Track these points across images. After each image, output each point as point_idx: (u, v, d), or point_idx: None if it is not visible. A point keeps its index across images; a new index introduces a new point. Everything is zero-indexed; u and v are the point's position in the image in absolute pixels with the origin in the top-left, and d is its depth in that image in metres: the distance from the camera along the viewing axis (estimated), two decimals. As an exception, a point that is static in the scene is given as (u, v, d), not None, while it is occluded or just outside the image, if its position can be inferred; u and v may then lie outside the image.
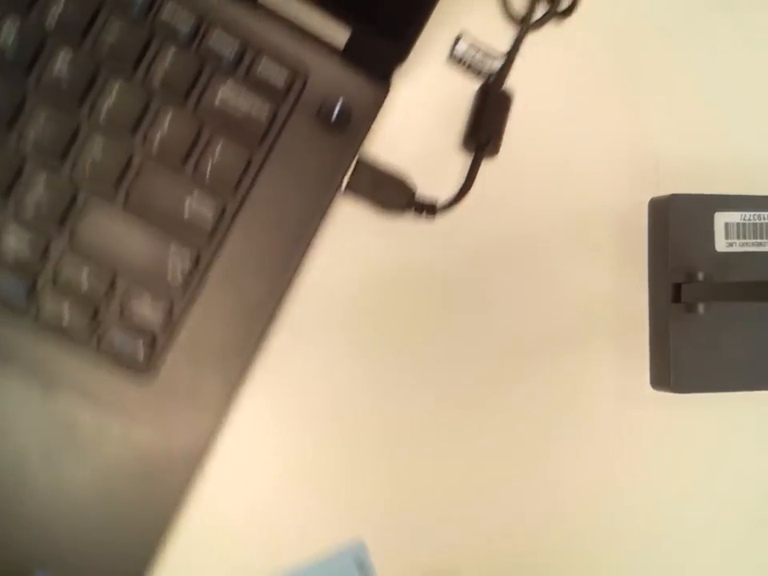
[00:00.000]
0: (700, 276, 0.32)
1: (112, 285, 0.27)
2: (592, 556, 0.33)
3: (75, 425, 0.27)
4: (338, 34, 0.29)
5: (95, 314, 0.27)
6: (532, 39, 0.34)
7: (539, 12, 0.33)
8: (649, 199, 0.34)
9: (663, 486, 0.34)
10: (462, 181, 0.31)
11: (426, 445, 0.31)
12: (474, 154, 0.31)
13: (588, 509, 0.33)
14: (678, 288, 0.32)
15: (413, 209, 0.31)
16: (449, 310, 0.32)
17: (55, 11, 0.26)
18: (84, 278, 0.27)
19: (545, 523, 0.32)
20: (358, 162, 0.30)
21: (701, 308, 0.31)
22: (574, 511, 0.33)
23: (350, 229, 0.31)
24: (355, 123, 0.29)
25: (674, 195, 0.33)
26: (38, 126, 0.26)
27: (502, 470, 0.32)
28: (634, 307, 0.34)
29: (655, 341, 0.34)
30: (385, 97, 0.29)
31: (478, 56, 0.33)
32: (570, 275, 0.33)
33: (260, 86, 0.28)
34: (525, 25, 0.33)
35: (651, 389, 0.34)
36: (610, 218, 0.34)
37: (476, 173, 0.31)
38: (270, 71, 0.28)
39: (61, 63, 0.27)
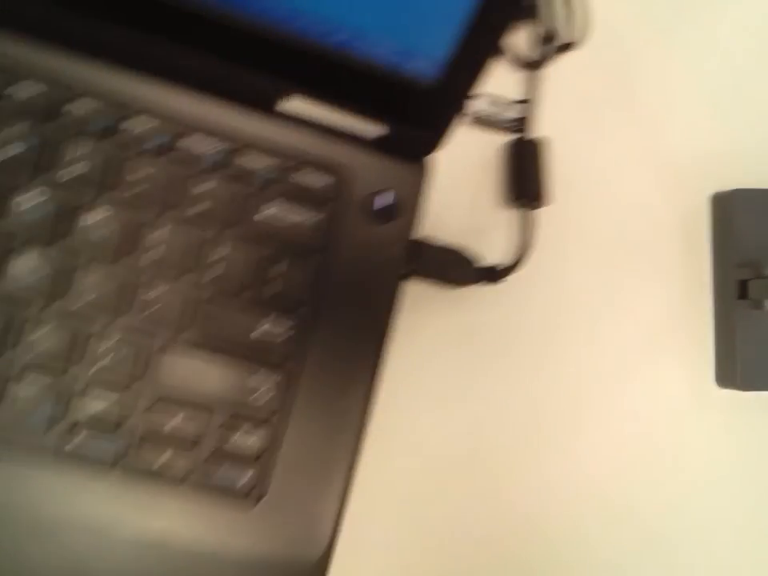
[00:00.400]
0: (767, 272, 0.31)
1: (202, 425, 0.26)
2: (663, 551, 0.32)
3: (195, 570, 0.25)
4: (369, 125, 0.28)
5: (191, 455, 0.25)
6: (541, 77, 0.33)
7: (545, 50, 0.33)
8: (709, 196, 0.34)
9: (727, 484, 0.33)
10: (520, 240, 0.30)
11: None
12: (523, 211, 0.31)
13: (655, 501, 0.32)
14: (743, 284, 0.32)
15: (476, 280, 0.30)
16: (531, 350, 0.32)
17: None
18: (173, 421, 0.25)
19: (618, 521, 0.32)
20: (413, 245, 0.29)
21: (767, 304, 0.31)
22: (641, 507, 0.32)
23: (417, 308, 0.30)
24: (403, 209, 0.28)
25: (737, 190, 0.32)
26: (88, 286, 0.25)
27: (575, 470, 0.32)
28: (698, 305, 0.34)
29: (720, 338, 0.33)
30: (428, 177, 0.28)
31: (496, 109, 0.33)
32: (636, 283, 0.33)
33: (300, 197, 0.27)
34: (537, 67, 0.32)
35: (717, 386, 0.33)
36: (669, 220, 0.34)
37: (531, 230, 0.30)
38: (308, 180, 0.27)
39: (94, 220, 0.25)
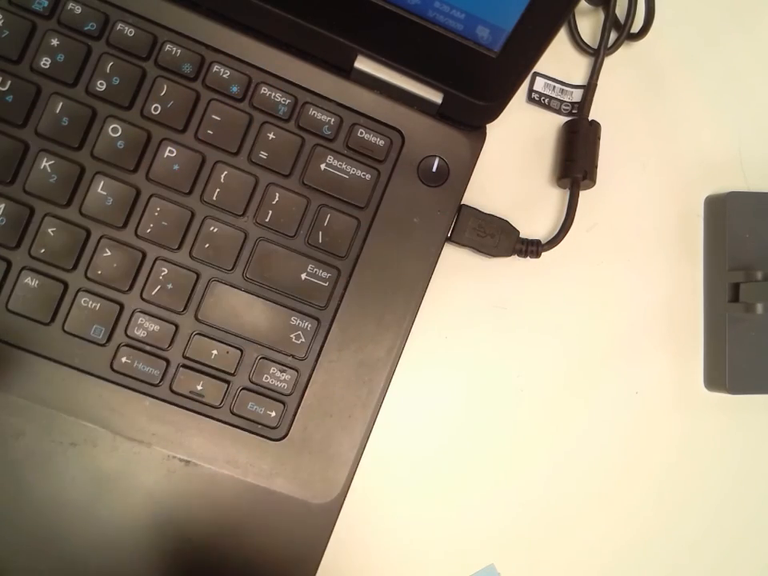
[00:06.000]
0: (759, 275, 0.31)
1: (240, 358, 0.28)
2: (652, 549, 0.33)
3: (217, 491, 0.28)
4: (430, 91, 0.29)
5: (226, 386, 0.28)
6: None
7: (611, 38, 0.34)
8: (704, 199, 0.34)
9: (716, 488, 0.33)
10: (563, 217, 0.31)
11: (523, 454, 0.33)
12: (570, 189, 0.32)
13: (645, 504, 0.33)
14: (736, 288, 0.32)
15: (517, 252, 0.31)
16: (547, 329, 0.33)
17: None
18: (213, 353, 0.28)
19: (613, 523, 0.33)
20: (460, 211, 0.30)
21: (759, 308, 0.31)
22: (632, 509, 0.33)
23: (455, 274, 0.32)
24: (454, 175, 0.29)
25: (730, 193, 0.32)
26: (154, 216, 0.28)
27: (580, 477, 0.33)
28: (688, 307, 0.34)
29: (711, 341, 0.33)
30: (481, 147, 0.30)
31: (556, 91, 0.34)
32: (628, 284, 0.33)
33: (360, 153, 0.29)
34: (601, 53, 0.33)
35: (705, 389, 0.33)
36: (664, 221, 0.34)
37: (575, 208, 0.31)
38: (369, 137, 0.29)
39: (168, 153, 0.28)
